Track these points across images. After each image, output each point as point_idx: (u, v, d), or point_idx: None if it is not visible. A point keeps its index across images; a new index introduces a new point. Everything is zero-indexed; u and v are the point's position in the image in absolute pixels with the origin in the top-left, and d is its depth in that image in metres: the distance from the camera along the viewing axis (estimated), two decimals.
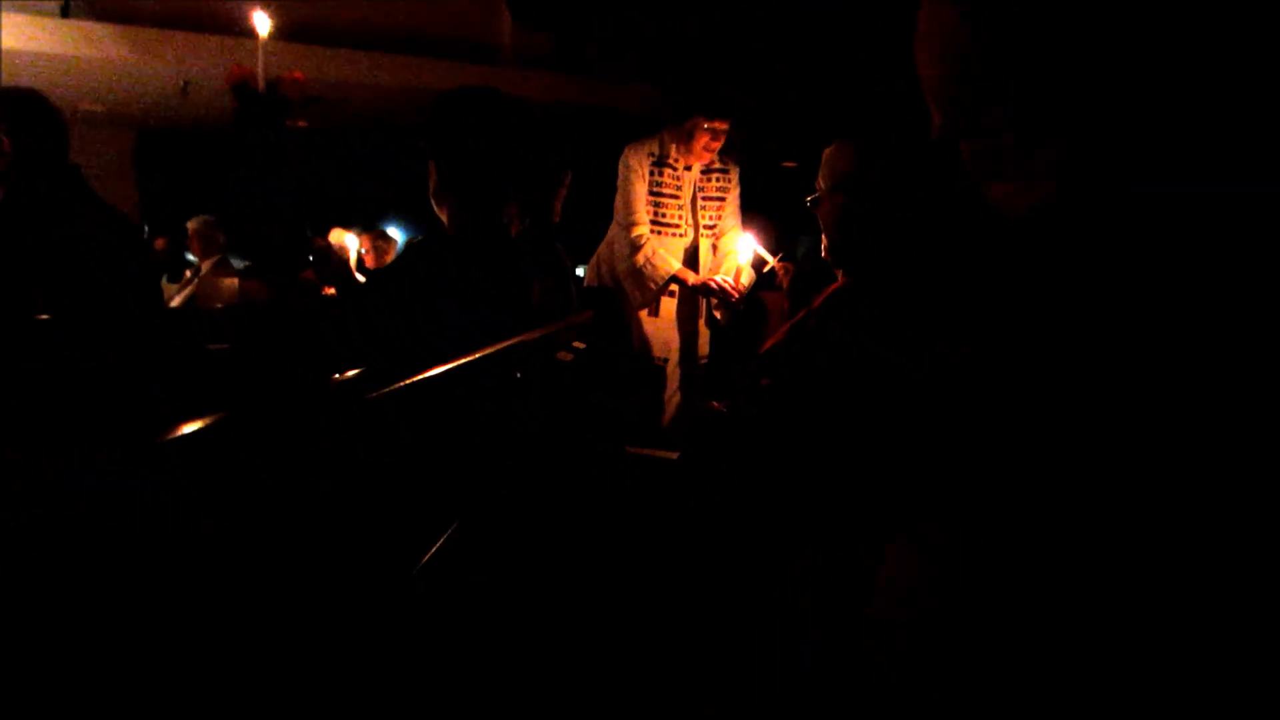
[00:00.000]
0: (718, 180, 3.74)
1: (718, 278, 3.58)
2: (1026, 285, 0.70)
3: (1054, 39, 0.65)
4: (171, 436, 0.84)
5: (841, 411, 1.22)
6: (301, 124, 3.09)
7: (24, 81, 3.00)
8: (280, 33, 3.37)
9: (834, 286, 1.97)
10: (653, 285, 3.65)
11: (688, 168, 3.67)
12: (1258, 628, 0.58)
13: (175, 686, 0.81)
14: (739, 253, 3.61)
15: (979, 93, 0.71)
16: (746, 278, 3.58)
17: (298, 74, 3.04)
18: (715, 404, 3.30)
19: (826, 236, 1.94)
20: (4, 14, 5.58)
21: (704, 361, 3.86)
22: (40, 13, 5.97)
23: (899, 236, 1.72)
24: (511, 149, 2.15)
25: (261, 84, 2.94)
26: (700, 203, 3.72)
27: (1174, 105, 0.63)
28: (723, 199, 3.75)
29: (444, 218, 2.17)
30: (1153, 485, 0.60)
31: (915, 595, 0.69)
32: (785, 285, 4.65)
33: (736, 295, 3.56)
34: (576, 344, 2.37)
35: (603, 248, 3.85)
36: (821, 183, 1.94)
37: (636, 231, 3.63)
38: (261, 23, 3.04)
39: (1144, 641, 0.59)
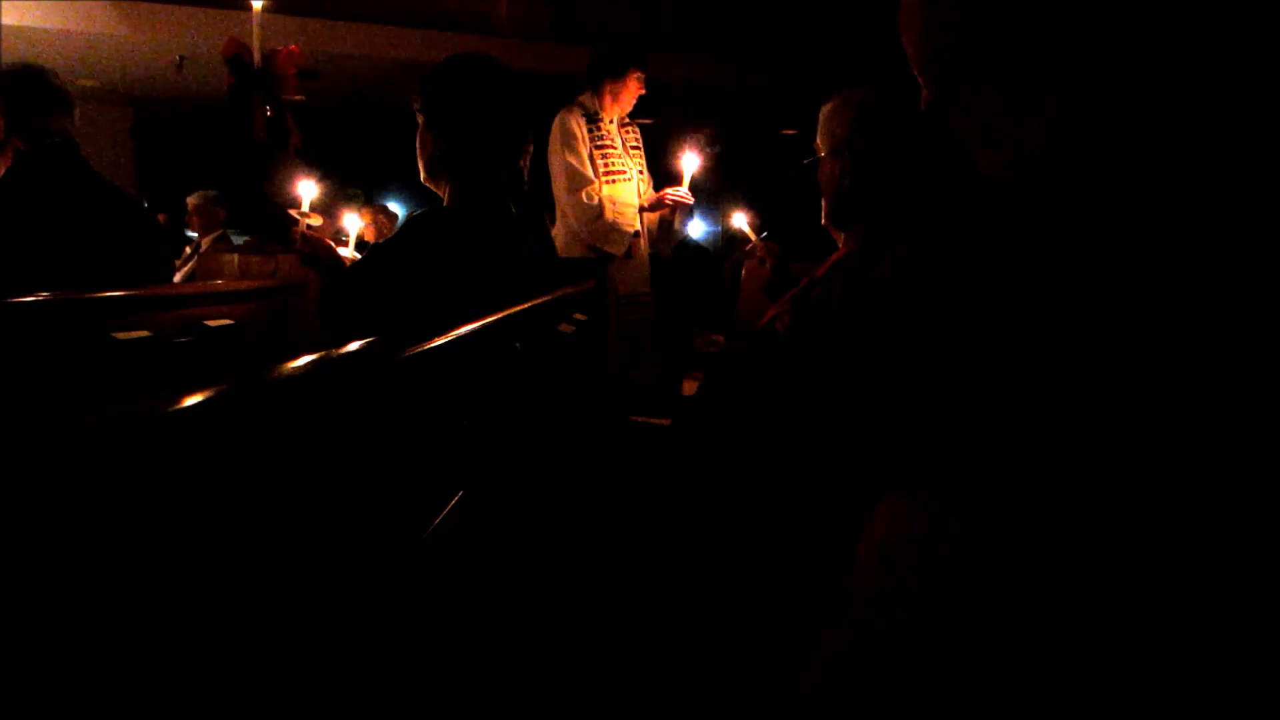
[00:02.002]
0: (632, 133, 4.07)
1: (668, 190, 3.88)
2: (1018, 259, 0.69)
3: (1041, 7, 0.64)
4: (175, 408, 0.84)
5: (846, 399, 1.21)
6: (298, 97, 3.06)
7: (19, 57, 2.97)
8: (275, 5, 3.33)
9: (837, 255, 1.94)
10: (628, 231, 3.90)
11: (611, 121, 3.96)
12: (1255, 623, 0.58)
13: (177, 677, 0.82)
14: (685, 171, 3.86)
15: (968, 64, 0.70)
16: (686, 181, 3.88)
17: (294, 47, 3.01)
18: (714, 337, 3.44)
19: (825, 201, 1.90)
20: None
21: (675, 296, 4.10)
22: None
23: (899, 218, 1.70)
24: (507, 118, 2.14)
25: (257, 57, 2.91)
26: (628, 151, 4.01)
27: (1162, 72, 0.63)
28: (640, 148, 4.07)
29: (440, 188, 2.16)
30: (1149, 480, 0.60)
31: (914, 594, 0.69)
32: (770, 265, 4.58)
33: (689, 197, 3.86)
34: (577, 315, 2.37)
35: (558, 224, 3.97)
36: (819, 145, 1.90)
37: (592, 189, 3.86)
38: None
39: (1140, 638, 0.59)
